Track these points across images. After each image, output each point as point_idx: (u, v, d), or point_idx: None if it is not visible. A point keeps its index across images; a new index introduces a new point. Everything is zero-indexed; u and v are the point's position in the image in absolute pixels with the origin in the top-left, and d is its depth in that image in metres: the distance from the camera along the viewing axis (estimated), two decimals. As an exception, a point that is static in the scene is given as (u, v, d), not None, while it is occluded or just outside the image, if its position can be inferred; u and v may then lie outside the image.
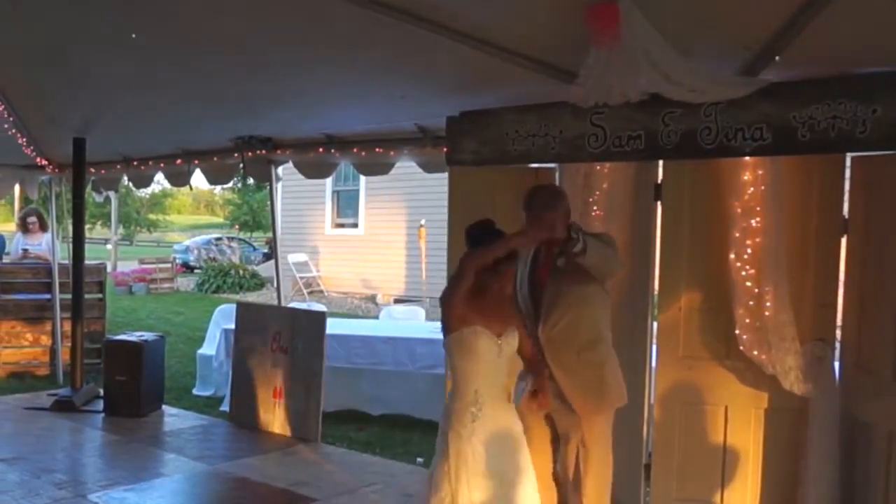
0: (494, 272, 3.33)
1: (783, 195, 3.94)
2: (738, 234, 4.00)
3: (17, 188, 9.58)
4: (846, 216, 3.99)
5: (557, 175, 4.68)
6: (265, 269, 21.09)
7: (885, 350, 3.76)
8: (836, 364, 4.03)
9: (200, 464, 5.68)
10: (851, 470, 3.91)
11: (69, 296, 7.71)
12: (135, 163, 7.79)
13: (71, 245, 7.63)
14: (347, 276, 18.42)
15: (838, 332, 4.08)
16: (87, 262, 7.87)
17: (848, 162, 3.99)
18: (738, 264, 4.01)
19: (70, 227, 7.86)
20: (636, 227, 4.45)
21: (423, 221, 15.70)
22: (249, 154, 6.69)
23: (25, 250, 9.17)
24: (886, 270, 3.75)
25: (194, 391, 8.09)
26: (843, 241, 4.00)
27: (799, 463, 4.01)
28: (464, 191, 4.92)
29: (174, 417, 7.00)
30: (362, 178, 17.02)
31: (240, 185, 30.13)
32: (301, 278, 18.17)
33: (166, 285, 20.44)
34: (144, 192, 37.88)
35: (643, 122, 3.87)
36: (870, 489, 3.82)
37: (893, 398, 3.69)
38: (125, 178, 8.24)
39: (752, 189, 3.94)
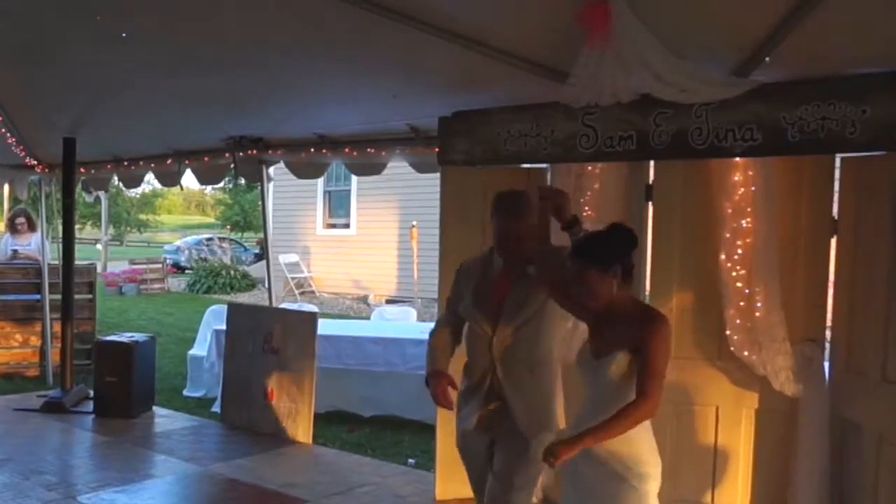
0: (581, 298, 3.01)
1: (773, 196, 3.95)
2: (728, 235, 4.01)
3: (6, 188, 9.51)
4: (836, 217, 4.00)
5: (549, 175, 4.68)
6: (256, 270, 21.06)
7: (874, 351, 3.77)
8: (826, 364, 4.04)
9: (191, 465, 5.66)
10: (841, 470, 3.92)
11: (59, 296, 7.68)
12: (125, 163, 7.75)
13: (61, 245, 7.60)
14: (339, 276, 18.39)
15: (828, 333, 4.09)
16: (77, 262, 7.83)
17: (837, 163, 4.00)
18: (729, 265, 4.01)
19: (60, 228, 7.82)
20: (628, 227, 4.44)
21: (414, 222, 15.68)
22: (241, 154, 6.67)
23: (15, 251, 9.11)
24: (876, 271, 3.76)
25: (185, 392, 8.05)
26: (833, 241, 4.01)
27: (789, 463, 4.01)
28: (456, 191, 4.92)
29: (165, 418, 6.98)
30: (354, 178, 17.01)
31: (231, 185, 30.07)
32: (292, 279, 18.14)
33: (157, 286, 20.37)
34: (135, 192, 37.78)
35: (634, 123, 3.88)
36: (859, 489, 3.83)
37: (883, 399, 3.70)
38: (115, 178, 8.19)
39: (742, 190, 3.95)
